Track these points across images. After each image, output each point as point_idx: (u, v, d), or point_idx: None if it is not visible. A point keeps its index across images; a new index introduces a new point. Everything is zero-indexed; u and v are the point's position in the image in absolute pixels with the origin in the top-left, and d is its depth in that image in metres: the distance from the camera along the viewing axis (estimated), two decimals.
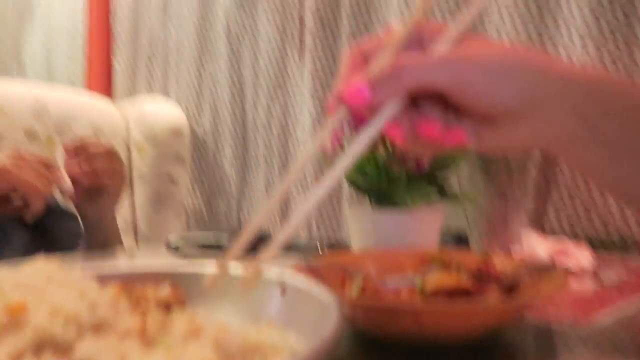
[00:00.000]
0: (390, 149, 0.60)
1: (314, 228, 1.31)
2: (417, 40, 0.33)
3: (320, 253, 0.74)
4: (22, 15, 2.43)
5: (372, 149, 0.61)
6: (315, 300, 0.31)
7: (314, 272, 0.44)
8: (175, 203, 1.41)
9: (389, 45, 0.32)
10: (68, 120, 1.33)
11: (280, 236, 0.32)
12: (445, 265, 0.46)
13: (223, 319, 0.31)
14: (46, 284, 0.26)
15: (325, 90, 1.31)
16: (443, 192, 0.64)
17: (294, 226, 0.33)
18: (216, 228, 1.56)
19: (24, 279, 0.26)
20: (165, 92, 1.68)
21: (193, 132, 1.59)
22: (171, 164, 1.40)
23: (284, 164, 1.41)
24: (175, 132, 1.41)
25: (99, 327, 0.25)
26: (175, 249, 0.68)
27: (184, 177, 1.43)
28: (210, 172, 1.57)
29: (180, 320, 0.28)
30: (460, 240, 0.76)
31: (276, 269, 0.35)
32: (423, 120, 0.31)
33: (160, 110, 1.46)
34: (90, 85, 1.87)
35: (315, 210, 1.28)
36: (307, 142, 1.33)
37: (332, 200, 1.31)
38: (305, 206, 0.33)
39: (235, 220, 1.52)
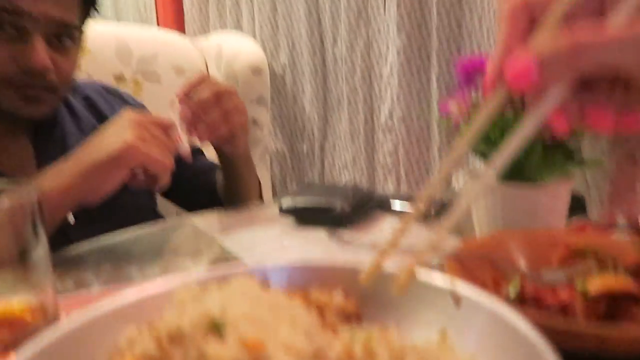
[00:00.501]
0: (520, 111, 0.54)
1: (403, 180, 1.28)
2: (597, 1, 0.27)
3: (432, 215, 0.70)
4: None
5: (500, 113, 0.55)
6: (498, 320, 0.28)
7: (464, 269, 0.41)
8: (258, 146, 1.40)
9: (562, 3, 0.27)
10: (150, 60, 1.32)
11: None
12: (599, 260, 0.43)
13: (410, 334, 0.29)
14: (256, 308, 0.25)
15: (413, 21, 1.21)
16: (571, 159, 0.58)
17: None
18: (300, 173, 1.55)
19: (234, 303, 0.25)
20: (238, 27, 1.62)
21: (271, 70, 1.54)
22: (252, 104, 1.37)
23: (368, 104, 1.36)
24: (255, 71, 1.37)
25: (316, 356, 0.24)
26: (290, 213, 0.67)
27: (265, 118, 1.41)
28: (290, 113, 1.54)
29: (380, 346, 0.26)
30: (577, 205, 0.70)
31: (438, 275, 0.33)
32: (595, 109, 0.27)
33: (238, 47, 1.41)
34: (160, 21, 1.84)
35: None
36: (393, 80, 1.26)
37: (422, 154, 1.26)
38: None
39: (319, 164, 1.51)
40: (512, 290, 0.40)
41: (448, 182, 1.24)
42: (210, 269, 0.34)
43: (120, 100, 0.90)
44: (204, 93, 0.67)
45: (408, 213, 0.30)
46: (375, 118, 1.35)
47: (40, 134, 0.75)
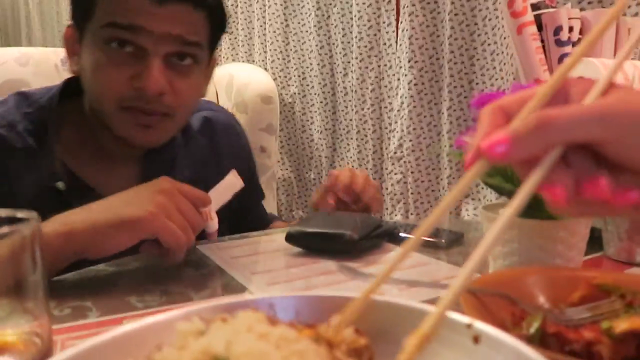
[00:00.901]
0: None
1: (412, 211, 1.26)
2: (563, 96, 0.30)
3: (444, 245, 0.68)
4: None
5: None
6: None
7: (481, 304, 0.39)
8: (266, 173, 1.40)
9: (534, 101, 0.29)
10: None
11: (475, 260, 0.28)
12: (624, 298, 0.41)
13: None
14: (262, 343, 0.23)
15: (424, 55, 1.21)
16: None
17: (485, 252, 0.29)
18: (307, 201, 1.54)
19: (240, 339, 0.23)
20: (250, 60, 1.64)
21: (281, 99, 1.55)
22: (261, 132, 1.37)
23: (378, 134, 1.35)
24: (265, 99, 1.38)
25: None
26: (297, 241, 0.65)
27: (273, 146, 1.41)
28: (299, 141, 1.54)
29: None
30: (594, 241, 0.68)
31: (454, 313, 0.31)
32: (588, 178, 0.27)
33: (249, 77, 1.42)
34: None
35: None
36: (403, 112, 1.26)
37: (431, 183, 1.25)
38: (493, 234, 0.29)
39: None
40: (533, 328, 0.37)
41: (454, 213, 1.22)
42: (214, 300, 0.33)
43: (234, 132, 0.88)
44: (345, 179, 0.76)
45: (406, 242, 0.29)
46: (384, 148, 1.34)
47: (149, 153, 0.72)
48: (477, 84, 1.16)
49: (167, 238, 0.51)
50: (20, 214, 0.31)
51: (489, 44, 1.12)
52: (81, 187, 0.67)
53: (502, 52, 1.07)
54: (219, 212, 0.60)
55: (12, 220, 0.31)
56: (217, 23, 0.69)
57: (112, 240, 0.51)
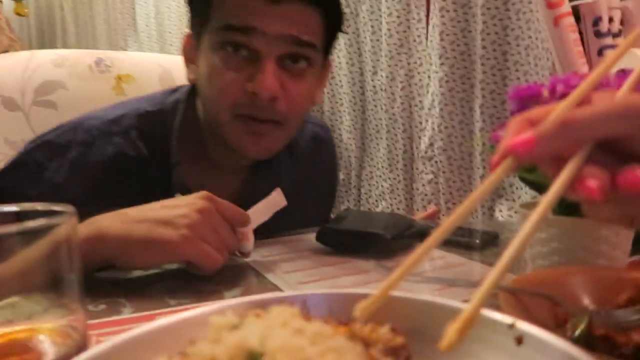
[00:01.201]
0: None
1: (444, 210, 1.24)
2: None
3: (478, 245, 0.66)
4: None
5: None
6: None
7: (521, 305, 0.38)
8: None
9: (561, 106, 0.30)
10: None
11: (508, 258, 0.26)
12: None
13: None
14: (297, 339, 0.23)
15: (456, 51, 1.19)
16: None
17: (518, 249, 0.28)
18: (336, 201, 1.53)
19: (274, 333, 0.23)
20: None
21: None
22: None
23: (408, 133, 1.33)
24: None
25: None
26: (328, 239, 0.65)
27: None
28: None
29: None
30: (636, 239, 0.64)
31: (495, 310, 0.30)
32: (622, 171, 0.27)
33: None
34: None
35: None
36: (434, 110, 1.24)
37: (464, 183, 1.22)
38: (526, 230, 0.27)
39: (355, 192, 1.49)
40: (579, 330, 0.36)
41: (487, 214, 1.19)
42: (247, 296, 0.32)
43: (332, 150, 0.88)
44: None
45: (428, 239, 0.28)
46: (414, 147, 1.32)
47: (255, 165, 0.72)
48: (511, 80, 1.13)
49: (201, 262, 0.50)
50: (56, 207, 0.31)
51: (523, 39, 1.09)
52: None
53: (538, 46, 1.04)
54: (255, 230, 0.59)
55: (49, 214, 0.31)
56: (333, 23, 0.67)
57: (142, 257, 0.50)
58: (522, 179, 0.59)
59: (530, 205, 0.58)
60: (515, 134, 0.31)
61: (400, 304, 0.32)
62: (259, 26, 0.60)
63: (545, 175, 0.55)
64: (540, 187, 0.56)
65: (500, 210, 1.16)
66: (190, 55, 0.69)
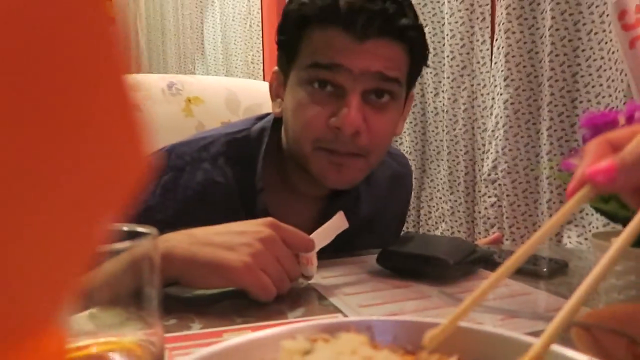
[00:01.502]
0: None
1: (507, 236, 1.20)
2: None
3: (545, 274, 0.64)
4: (203, 4, 2.64)
5: None
6: None
7: (596, 342, 0.36)
8: None
9: None
10: (255, 109, 1.40)
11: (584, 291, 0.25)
12: None
13: None
14: None
15: (522, 73, 1.16)
16: None
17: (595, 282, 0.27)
18: None
19: None
20: None
21: None
22: None
23: (470, 155, 1.31)
24: None
25: None
26: (389, 263, 0.65)
27: None
28: None
29: None
30: None
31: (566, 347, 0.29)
32: None
33: None
34: (267, 75, 1.95)
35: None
36: (498, 132, 1.21)
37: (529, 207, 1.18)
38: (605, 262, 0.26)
39: (414, 213, 1.47)
40: None
41: (554, 240, 1.14)
42: (311, 319, 0.33)
43: (409, 183, 0.90)
44: None
45: (500, 268, 0.27)
46: (477, 169, 1.29)
47: (333, 194, 0.75)
48: (581, 102, 1.08)
49: (256, 291, 0.51)
50: (140, 228, 0.34)
51: (594, 60, 1.05)
52: None
53: (611, 68, 1.00)
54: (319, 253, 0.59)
55: (133, 235, 0.33)
56: (418, 57, 0.67)
57: (204, 279, 0.52)
58: (597, 209, 0.56)
59: (603, 235, 0.55)
60: (595, 159, 0.29)
61: (466, 334, 0.32)
62: (345, 63, 0.61)
63: (623, 205, 0.52)
64: (615, 217, 0.53)
65: (569, 237, 1.10)
66: (276, 91, 0.72)
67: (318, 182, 0.68)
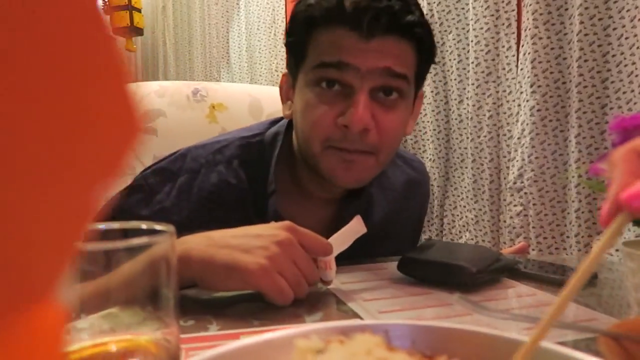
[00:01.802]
0: None
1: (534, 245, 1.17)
2: None
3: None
4: (229, 14, 2.68)
5: None
6: None
7: (626, 353, 0.35)
8: None
9: None
10: (277, 115, 1.41)
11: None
12: None
13: None
14: None
15: (549, 79, 1.14)
16: None
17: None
18: None
19: None
20: None
21: None
22: None
23: (495, 163, 1.29)
24: None
25: None
26: (411, 269, 0.64)
27: None
28: None
29: None
30: None
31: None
32: None
33: None
34: None
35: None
36: (524, 139, 1.18)
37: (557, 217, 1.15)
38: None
39: (437, 222, 1.45)
40: None
41: (583, 251, 1.11)
42: (329, 322, 0.32)
43: (426, 191, 0.90)
44: None
45: (565, 287, 0.26)
46: (502, 178, 1.27)
47: (346, 197, 0.75)
48: (611, 108, 1.05)
49: (272, 295, 0.51)
50: (158, 226, 0.34)
51: (625, 65, 1.02)
52: None
53: None
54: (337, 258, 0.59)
55: (151, 232, 0.33)
56: (425, 54, 0.67)
57: (221, 282, 0.52)
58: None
59: (635, 244, 0.53)
60: (626, 175, 0.28)
61: (485, 340, 0.31)
62: (352, 62, 0.61)
63: None
64: None
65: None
66: (286, 93, 0.72)
67: (328, 183, 0.68)
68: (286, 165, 0.73)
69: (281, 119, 0.77)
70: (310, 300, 0.55)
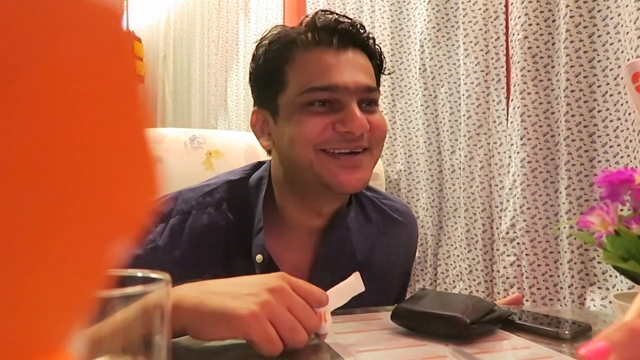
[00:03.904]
0: None
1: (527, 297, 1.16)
2: None
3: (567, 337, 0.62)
4: (228, 64, 2.75)
5: None
6: None
7: None
8: None
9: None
10: None
11: None
12: None
13: None
14: None
15: (538, 132, 1.17)
16: None
17: None
18: (412, 280, 1.50)
19: None
20: None
21: (387, 176, 1.57)
22: None
23: (487, 213, 1.30)
24: (371, 176, 1.40)
25: None
26: (404, 319, 0.63)
27: None
28: None
29: None
30: None
31: None
32: None
33: None
34: None
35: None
36: (516, 190, 1.20)
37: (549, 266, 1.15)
38: None
39: (431, 271, 1.45)
40: None
41: (576, 302, 1.10)
42: None
43: (410, 224, 0.92)
44: None
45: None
46: (494, 227, 1.28)
47: (327, 228, 0.78)
48: (599, 162, 1.08)
49: (260, 343, 0.50)
50: (153, 274, 0.34)
51: (611, 120, 1.05)
52: (270, 262, 0.72)
53: (628, 129, 1.00)
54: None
55: (145, 280, 0.34)
56: (378, 66, 0.77)
57: (209, 329, 0.51)
58: (616, 268, 0.55)
59: (626, 297, 0.53)
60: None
61: None
62: (341, 83, 0.69)
63: None
64: (636, 277, 0.52)
65: (593, 300, 1.07)
66: (261, 128, 0.78)
67: (322, 195, 0.72)
68: (270, 206, 0.77)
69: (261, 163, 0.82)
70: (302, 350, 0.54)
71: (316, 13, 0.73)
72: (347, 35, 0.71)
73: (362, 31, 0.73)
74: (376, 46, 0.76)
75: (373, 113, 0.73)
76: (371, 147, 0.71)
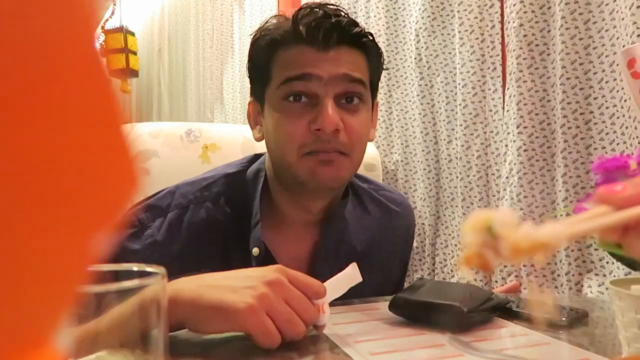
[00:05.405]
0: None
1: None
2: None
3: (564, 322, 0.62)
4: (223, 57, 2.74)
5: None
6: None
7: None
8: None
9: None
10: None
11: None
12: None
13: None
14: None
15: (534, 120, 1.17)
16: None
17: None
18: (409, 270, 1.50)
19: None
20: None
21: (384, 167, 1.57)
22: None
23: (485, 202, 1.30)
24: (368, 167, 1.40)
25: None
26: (402, 309, 0.63)
27: None
28: None
29: None
30: None
31: None
32: None
33: None
34: None
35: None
36: (512, 179, 1.20)
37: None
38: None
39: (429, 260, 1.45)
40: None
41: (574, 289, 1.11)
42: None
43: (407, 214, 0.92)
44: None
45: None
46: None
47: (325, 220, 0.78)
48: (595, 149, 1.08)
49: (258, 336, 0.50)
50: (149, 268, 0.34)
51: (607, 107, 1.05)
52: (267, 255, 0.72)
53: (624, 116, 1.00)
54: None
55: (142, 274, 0.34)
56: (375, 62, 0.75)
57: (207, 322, 0.51)
58: (611, 254, 0.55)
59: (622, 282, 0.54)
60: None
61: None
62: (314, 72, 0.68)
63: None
64: (631, 264, 0.52)
65: (590, 287, 1.07)
66: (255, 119, 0.78)
67: (307, 188, 0.71)
68: (267, 199, 0.77)
69: (259, 156, 0.82)
70: (302, 342, 0.54)
71: (300, 8, 0.71)
72: (333, 32, 0.69)
73: (352, 28, 0.71)
74: (372, 42, 0.74)
75: (354, 112, 0.70)
76: (348, 152, 0.69)
